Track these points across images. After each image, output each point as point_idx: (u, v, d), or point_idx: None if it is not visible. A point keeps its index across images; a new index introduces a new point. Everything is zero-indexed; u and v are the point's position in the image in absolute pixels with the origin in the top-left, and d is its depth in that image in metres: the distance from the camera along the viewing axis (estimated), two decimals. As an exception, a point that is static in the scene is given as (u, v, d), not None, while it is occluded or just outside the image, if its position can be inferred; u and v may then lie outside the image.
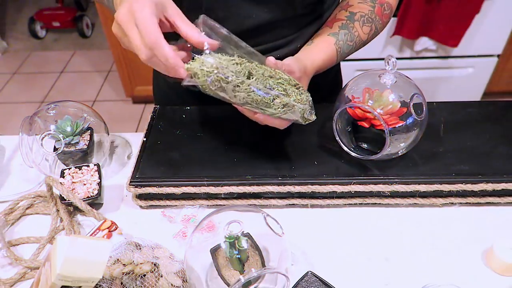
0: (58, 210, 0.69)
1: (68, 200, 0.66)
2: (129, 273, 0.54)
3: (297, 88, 0.60)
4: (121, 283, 0.53)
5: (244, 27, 0.73)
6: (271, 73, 0.58)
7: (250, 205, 0.69)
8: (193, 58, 0.55)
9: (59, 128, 0.75)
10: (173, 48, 0.53)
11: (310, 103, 0.61)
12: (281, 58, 0.77)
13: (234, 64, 0.55)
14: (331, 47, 0.72)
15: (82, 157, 0.76)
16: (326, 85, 0.89)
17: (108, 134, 0.81)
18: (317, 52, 0.71)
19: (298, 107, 0.58)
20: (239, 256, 0.57)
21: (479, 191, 0.66)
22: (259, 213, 0.59)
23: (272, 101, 0.57)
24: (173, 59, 0.51)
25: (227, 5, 0.70)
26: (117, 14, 0.52)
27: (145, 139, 0.76)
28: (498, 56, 1.94)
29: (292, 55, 0.73)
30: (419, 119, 0.64)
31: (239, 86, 0.55)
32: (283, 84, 0.58)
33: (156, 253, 0.57)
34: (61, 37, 3.14)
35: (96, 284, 0.51)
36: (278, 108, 0.57)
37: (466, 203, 0.69)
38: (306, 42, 0.76)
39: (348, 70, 1.86)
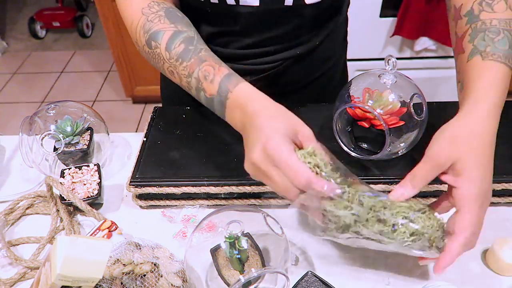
0: (58, 210, 0.69)
1: (68, 200, 0.66)
2: (129, 273, 0.54)
3: (422, 213, 0.49)
4: (121, 283, 0.53)
5: (265, 37, 0.73)
6: (384, 204, 0.49)
7: (250, 205, 0.69)
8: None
9: (59, 128, 0.75)
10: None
11: (444, 227, 0.50)
12: (300, 54, 0.76)
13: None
14: (480, 65, 0.52)
15: (82, 157, 0.76)
16: (332, 86, 0.89)
17: (108, 134, 0.81)
18: (471, 92, 0.51)
19: (429, 235, 0.48)
20: (239, 256, 0.57)
21: (479, 191, 0.66)
22: (259, 213, 0.59)
23: (394, 230, 0.48)
24: (329, 187, 0.47)
25: (259, 27, 0.70)
26: (252, 157, 0.49)
27: (145, 139, 0.76)
28: (498, 56, 1.93)
29: (311, 51, 0.73)
30: (419, 119, 0.64)
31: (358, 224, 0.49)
32: (404, 212, 0.48)
33: (156, 253, 0.57)
34: (61, 37, 3.14)
35: (96, 284, 0.51)
36: (404, 238, 0.48)
37: (466, 203, 0.69)
38: (325, 38, 0.75)
39: (348, 70, 1.86)
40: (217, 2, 0.66)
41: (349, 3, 0.82)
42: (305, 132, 0.50)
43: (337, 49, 0.87)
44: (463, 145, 0.48)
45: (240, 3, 0.66)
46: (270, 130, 0.48)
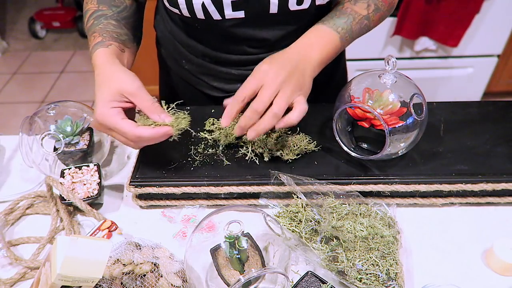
0: (58, 210, 0.69)
1: (68, 200, 0.67)
2: (129, 273, 0.54)
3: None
4: (121, 283, 0.53)
5: (265, 44, 0.77)
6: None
7: (250, 205, 0.69)
8: None
9: (59, 128, 0.75)
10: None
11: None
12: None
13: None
14: (316, 26, 0.69)
15: (82, 157, 0.76)
16: (332, 85, 0.89)
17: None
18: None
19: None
20: (239, 256, 0.57)
21: (479, 191, 0.66)
22: (259, 213, 0.59)
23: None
24: (154, 134, 0.61)
25: (252, 36, 0.76)
26: (93, 125, 0.68)
27: (145, 139, 0.76)
28: (498, 56, 1.94)
29: None
30: (419, 119, 0.64)
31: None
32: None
33: (156, 253, 0.57)
34: (61, 37, 3.14)
35: (96, 284, 0.51)
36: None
37: (466, 203, 0.69)
38: None
39: (348, 70, 1.86)
40: (204, 18, 0.71)
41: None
42: (128, 90, 0.62)
43: None
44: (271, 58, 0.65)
45: (227, 17, 0.71)
46: (98, 100, 0.61)
